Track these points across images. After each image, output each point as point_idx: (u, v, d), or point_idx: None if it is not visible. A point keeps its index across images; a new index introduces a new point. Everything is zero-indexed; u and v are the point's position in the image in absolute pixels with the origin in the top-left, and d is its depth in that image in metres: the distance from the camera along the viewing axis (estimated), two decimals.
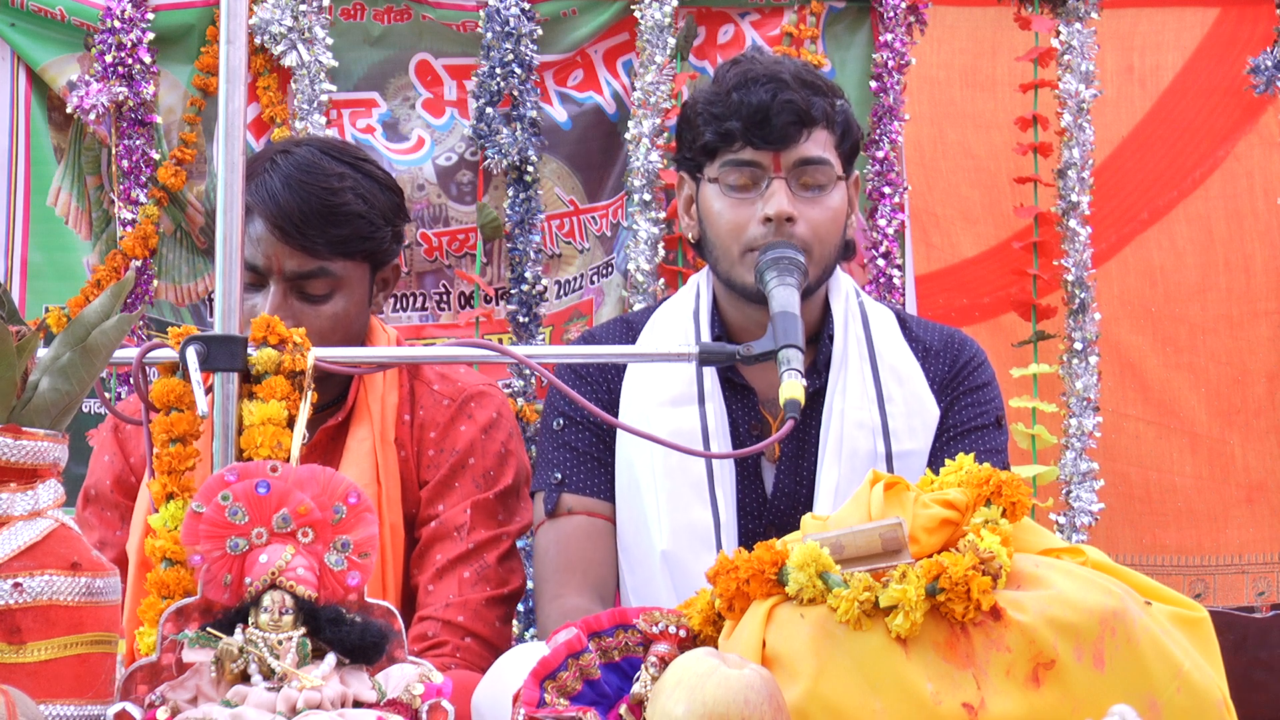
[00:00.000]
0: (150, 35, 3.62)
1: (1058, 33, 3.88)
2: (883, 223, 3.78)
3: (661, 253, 3.74)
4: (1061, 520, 3.80)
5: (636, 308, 3.66)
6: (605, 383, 2.67)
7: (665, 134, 3.72)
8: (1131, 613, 1.77)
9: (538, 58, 3.73)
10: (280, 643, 1.75)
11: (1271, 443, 4.10)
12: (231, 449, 2.09)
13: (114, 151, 3.64)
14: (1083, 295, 3.87)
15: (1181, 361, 4.13)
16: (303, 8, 3.65)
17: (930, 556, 1.78)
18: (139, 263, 3.63)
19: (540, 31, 3.74)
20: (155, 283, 3.68)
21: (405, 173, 3.71)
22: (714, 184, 2.61)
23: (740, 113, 2.56)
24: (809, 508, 2.58)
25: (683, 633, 1.83)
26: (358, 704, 1.76)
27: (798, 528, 1.95)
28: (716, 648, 1.80)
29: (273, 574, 1.77)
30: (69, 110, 3.63)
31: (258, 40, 3.65)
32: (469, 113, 3.74)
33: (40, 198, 3.70)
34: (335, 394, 2.63)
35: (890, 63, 3.79)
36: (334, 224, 2.58)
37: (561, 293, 3.83)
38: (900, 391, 2.63)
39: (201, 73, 3.68)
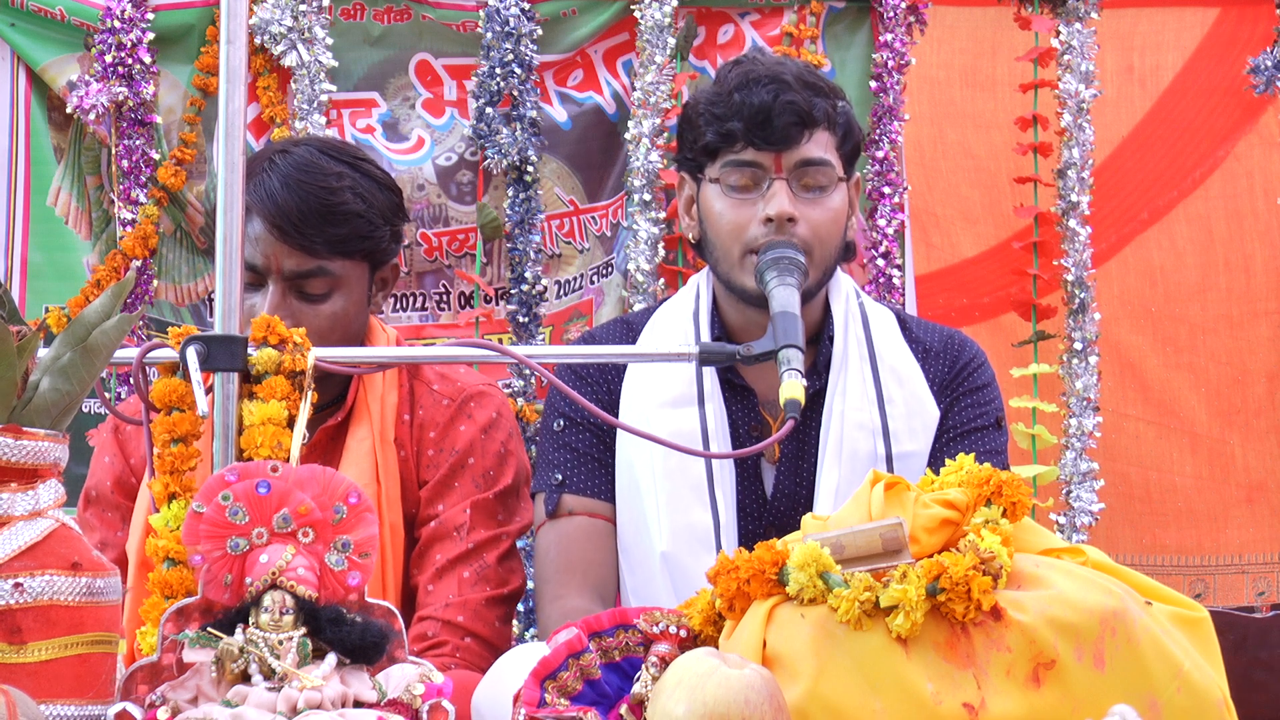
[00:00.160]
0: (150, 35, 3.62)
1: (1058, 33, 3.88)
2: (882, 223, 3.78)
3: (661, 253, 3.74)
4: (1061, 520, 3.80)
5: (636, 308, 3.66)
6: (605, 383, 2.67)
7: (665, 134, 3.72)
8: (1132, 613, 1.77)
9: (538, 58, 3.73)
10: (281, 643, 1.75)
11: (1271, 443, 4.10)
12: (232, 449, 2.09)
13: (114, 151, 3.64)
14: (1083, 295, 3.87)
15: (1181, 361, 4.12)
16: (303, 8, 3.65)
17: (931, 556, 1.78)
18: (139, 263, 3.63)
19: (540, 31, 3.74)
20: (155, 283, 3.68)
21: (405, 173, 3.71)
22: (715, 184, 2.61)
23: (742, 113, 2.55)
24: (809, 509, 2.57)
25: (683, 633, 1.83)
26: (358, 704, 1.76)
27: (798, 529, 1.95)
28: (717, 648, 1.80)
29: (273, 574, 1.77)
30: (69, 110, 3.63)
31: (258, 40, 3.64)
32: (469, 113, 3.74)
33: (40, 198, 3.70)
34: (335, 394, 2.63)
35: (890, 63, 3.79)
36: (332, 223, 2.58)
37: (561, 293, 3.83)
38: (900, 392, 2.63)
39: (201, 73, 3.68)
